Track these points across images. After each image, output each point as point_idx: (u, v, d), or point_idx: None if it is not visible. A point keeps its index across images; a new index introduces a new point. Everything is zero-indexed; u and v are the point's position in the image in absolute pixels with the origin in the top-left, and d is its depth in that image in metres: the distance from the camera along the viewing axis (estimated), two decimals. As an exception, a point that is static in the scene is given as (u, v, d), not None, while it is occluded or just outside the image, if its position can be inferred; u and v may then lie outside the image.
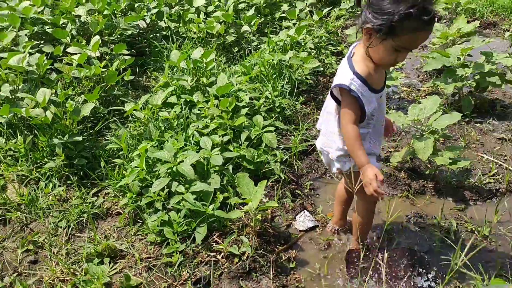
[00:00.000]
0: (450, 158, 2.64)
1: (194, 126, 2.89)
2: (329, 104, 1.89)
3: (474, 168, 2.97)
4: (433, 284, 2.03)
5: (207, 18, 4.84)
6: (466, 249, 1.24)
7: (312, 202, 2.68)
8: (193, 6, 4.95)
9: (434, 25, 1.89)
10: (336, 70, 4.46)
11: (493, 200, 2.66)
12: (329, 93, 1.84)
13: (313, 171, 2.97)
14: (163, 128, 2.97)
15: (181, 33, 4.81)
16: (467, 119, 3.62)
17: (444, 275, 2.08)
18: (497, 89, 4.08)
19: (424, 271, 2.10)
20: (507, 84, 3.84)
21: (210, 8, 5.09)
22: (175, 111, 3.09)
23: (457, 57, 3.70)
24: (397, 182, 2.80)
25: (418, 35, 1.55)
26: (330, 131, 1.91)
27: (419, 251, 2.27)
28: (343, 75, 1.74)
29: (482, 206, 2.62)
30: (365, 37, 1.65)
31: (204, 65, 3.50)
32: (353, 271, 2.11)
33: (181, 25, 4.87)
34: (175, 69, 3.90)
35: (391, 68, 3.92)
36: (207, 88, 3.30)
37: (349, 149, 1.77)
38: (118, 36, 4.19)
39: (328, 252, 2.28)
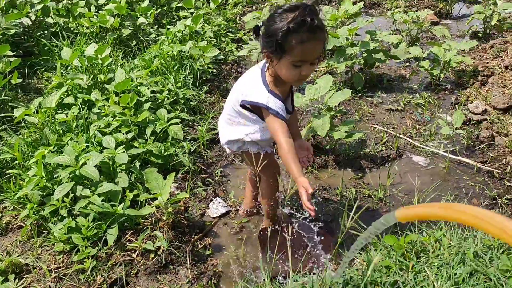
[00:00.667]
0: (346, 132, 2.86)
1: (95, 126, 2.79)
2: (230, 98, 1.97)
3: (368, 138, 3.24)
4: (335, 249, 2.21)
5: (99, 11, 4.62)
6: (353, 211, 1.38)
7: (224, 188, 2.74)
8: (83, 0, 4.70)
9: (326, 11, 1.87)
10: (237, 58, 4.55)
11: (385, 166, 2.94)
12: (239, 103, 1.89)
13: (222, 158, 3.03)
14: (61, 131, 2.82)
15: (71, 28, 4.55)
16: (360, 94, 3.92)
17: (344, 240, 2.27)
18: (383, 64, 4.46)
19: (328, 238, 2.26)
20: (391, 59, 4.22)
21: (102, 1, 4.86)
22: (73, 112, 2.94)
23: (346, 37, 3.97)
24: (302, 159, 2.96)
25: (306, 47, 1.60)
26: (222, 119, 2.09)
27: (325, 220, 2.44)
28: (259, 93, 1.78)
29: (377, 172, 2.89)
30: (268, 61, 1.74)
31: (100, 62, 3.37)
32: (266, 248, 2.22)
33: (71, 20, 4.60)
34: (69, 68, 3.69)
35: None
36: (106, 85, 3.19)
37: (283, 160, 1.74)
38: (0, 36, 3.85)
39: (243, 234, 2.37)
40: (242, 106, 1.89)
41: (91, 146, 2.62)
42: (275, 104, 1.76)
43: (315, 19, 1.56)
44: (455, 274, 1.55)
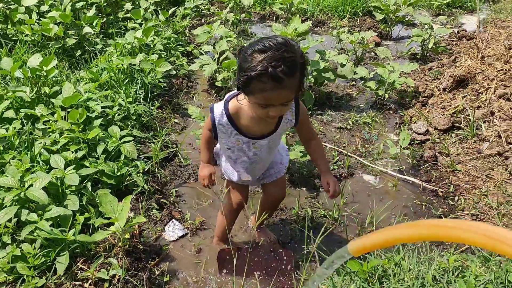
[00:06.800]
0: (300, 151, 2.90)
1: (41, 143, 2.61)
2: None
3: (321, 157, 3.31)
4: (296, 272, 2.22)
5: (41, 19, 4.37)
6: (319, 237, 1.39)
7: (180, 209, 2.67)
8: (22, 5, 4.42)
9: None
10: (188, 72, 4.50)
11: (338, 185, 3.01)
12: None
13: (177, 177, 2.95)
14: (1, 148, 2.61)
15: (10, 35, 4.27)
16: (310, 112, 4.01)
17: (303, 261, 2.30)
18: (330, 83, 4.60)
19: (287, 260, 2.27)
20: (339, 78, 4.37)
21: (44, 8, 4.60)
22: (14, 127, 2.74)
23: (297, 56, 4.05)
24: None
25: (269, 95, 1.50)
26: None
27: (283, 242, 2.45)
28: (220, 103, 1.81)
29: (330, 191, 2.95)
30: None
31: (45, 73, 3.17)
32: (225, 270, 2.18)
33: (9, 26, 4.31)
34: (8, 78, 3.45)
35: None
36: (51, 99, 3.00)
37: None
38: None
39: (201, 257, 2.31)
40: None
41: (37, 166, 2.45)
42: (219, 118, 1.79)
43: (282, 67, 1.42)
44: (415, 297, 1.62)
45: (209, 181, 1.99)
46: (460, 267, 1.73)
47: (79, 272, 2.02)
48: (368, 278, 1.67)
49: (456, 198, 2.87)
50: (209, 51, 4.50)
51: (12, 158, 2.48)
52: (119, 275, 2.00)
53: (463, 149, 3.34)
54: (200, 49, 5.04)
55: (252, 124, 1.79)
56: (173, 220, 2.50)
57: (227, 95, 1.84)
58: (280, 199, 2.29)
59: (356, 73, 4.43)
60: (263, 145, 1.87)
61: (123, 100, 3.25)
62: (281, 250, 2.31)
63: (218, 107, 1.80)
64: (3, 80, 3.46)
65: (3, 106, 2.75)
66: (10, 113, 2.87)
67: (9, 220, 2.11)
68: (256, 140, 1.84)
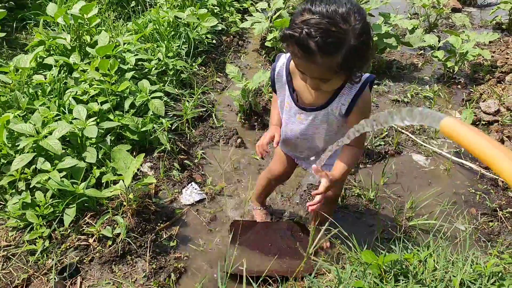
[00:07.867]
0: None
1: (71, 92, 2.57)
2: None
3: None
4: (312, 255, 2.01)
5: (98, -33, 4.33)
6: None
7: (202, 172, 2.53)
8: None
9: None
10: (240, 30, 4.28)
11: (381, 163, 2.71)
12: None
13: (207, 138, 2.81)
14: (34, 94, 2.61)
15: (68, -18, 4.28)
16: (365, 80, 3.65)
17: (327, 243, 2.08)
18: (395, 50, 4.16)
19: (304, 242, 2.06)
20: (403, 45, 3.92)
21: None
22: (52, 74, 2.72)
23: (357, 18, 3.66)
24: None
25: (299, 62, 1.31)
26: None
27: (305, 222, 2.23)
28: (288, 54, 1.60)
29: (371, 168, 2.66)
30: None
31: (87, 22, 3.11)
32: (236, 243, 2.02)
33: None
34: (58, 26, 3.45)
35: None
36: (89, 48, 2.95)
37: None
38: (-13, -15, 3.61)
39: (214, 225, 2.17)
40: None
41: (64, 115, 2.42)
42: (282, 60, 1.61)
43: (317, 38, 1.18)
44: (437, 304, 1.36)
45: (266, 145, 1.67)
46: (499, 273, 1.42)
47: (85, 226, 1.96)
48: (383, 274, 1.43)
49: (519, 192, 2.46)
50: (265, 9, 4.23)
51: (41, 105, 2.46)
52: (122, 235, 1.91)
53: (538, 135, 2.85)
54: (257, 6, 4.77)
55: (303, 89, 1.56)
56: (193, 183, 2.37)
57: None
58: (328, 199, 1.85)
59: (424, 41, 3.95)
60: (307, 120, 1.60)
61: (162, 54, 3.13)
62: (299, 231, 2.10)
63: (284, 57, 1.62)
64: (55, 26, 3.48)
65: (38, 50, 2.73)
66: (51, 60, 2.86)
67: (28, 167, 2.10)
68: (303, 110, 1.60)
